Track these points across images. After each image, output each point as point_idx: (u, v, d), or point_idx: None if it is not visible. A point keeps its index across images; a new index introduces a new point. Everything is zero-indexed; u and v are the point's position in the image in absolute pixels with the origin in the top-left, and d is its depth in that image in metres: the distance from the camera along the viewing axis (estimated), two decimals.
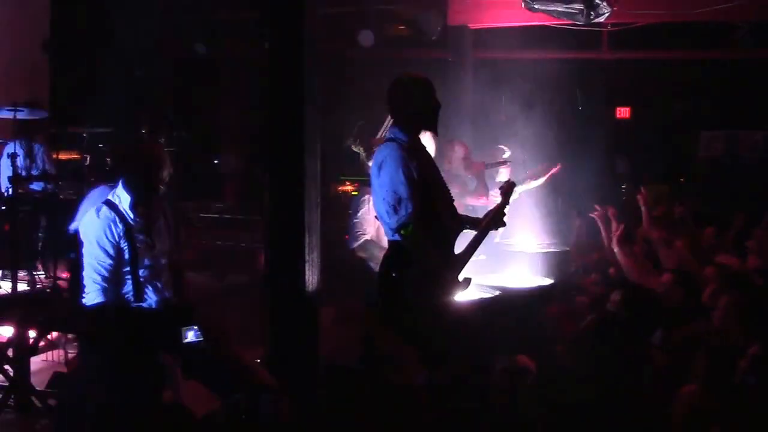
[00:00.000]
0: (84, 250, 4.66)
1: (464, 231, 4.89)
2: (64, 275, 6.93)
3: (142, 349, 4.63)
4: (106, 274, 4.59)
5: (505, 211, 4.80)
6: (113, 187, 4.80)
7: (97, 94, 9.85)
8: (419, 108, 4.66)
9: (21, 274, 6.96)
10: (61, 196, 7.05)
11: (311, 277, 5.19)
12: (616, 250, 6.52)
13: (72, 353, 7.13)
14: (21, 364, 6.27)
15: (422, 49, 11.11)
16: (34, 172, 7.23)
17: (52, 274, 6.81)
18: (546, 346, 5.66)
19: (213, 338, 4.53)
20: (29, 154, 7.35)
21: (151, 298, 4.78)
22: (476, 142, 8.72)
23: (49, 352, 7.20)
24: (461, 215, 4.93)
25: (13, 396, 6.21)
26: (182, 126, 8.17)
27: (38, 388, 6.45)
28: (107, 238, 4.59)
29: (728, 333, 4.78)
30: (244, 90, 5.35)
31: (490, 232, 4.84)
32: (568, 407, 3.43)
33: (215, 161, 12.20)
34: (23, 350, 6.46)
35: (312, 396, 5.06)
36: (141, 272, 4.70)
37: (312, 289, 5.15)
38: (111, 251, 4.59)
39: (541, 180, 7.38)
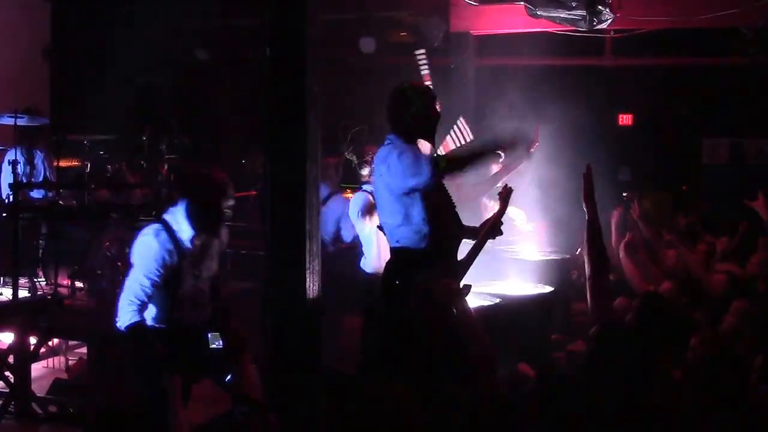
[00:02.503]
0: (132, 269, 4.59)
1: (465, 239, 4.88)
2: (65, 282, 6.92)
3: (167, 366, 4.54)
4: (145, 299, 4.52)
5: (503, 219, 4.77)
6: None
7: (97, 101, 9.86)
8: (417, 117, 4.64)
9: (22, 280, 6.95)
10: (61, 203, 7.04)
11: (312, 285, 5.17)
12: (621, 255, 6.49)
13: (72, 360, 7.13)
14: (21, 370, 6.26)
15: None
16: (35, 180, 7.22)
17: (52, 281, 6.80)
18: (547, 354, 5.64)
19: (233, 346, 4.48)
20: (30, 162, 7.35)
21: (186, 316, 4.70)
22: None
23: (50, 359, 7.20)
24: (462, 224, 4.91)
25: (13, 402, 6.20)
26: (183, 132, 8.15)
27: (39, 395, 6.45)
28: (157, 267, 4.50)
29: (736, 341, 4.76)
30: (246, 96, 5.35)
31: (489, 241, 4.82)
32: (570, 417, 3.39)
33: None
34: (24, 357, 6.46)
35: (313, 404, 5.05)
36: (183, 296, 4.63)
37: (313, 297, 5.13)
38: (157, 279, 4.51)
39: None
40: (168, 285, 4.54)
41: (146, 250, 4.51)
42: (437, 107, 4.75)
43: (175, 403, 3.98)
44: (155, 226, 4.58)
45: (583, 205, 4.45)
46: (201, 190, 4.59)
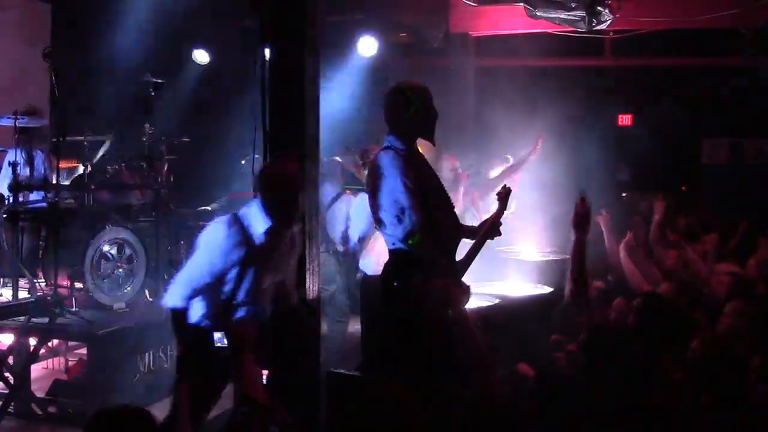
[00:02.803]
0: (194, 253, 4.41)
1: (462, 240, 4.88)
2: (65, 283, 6.92)
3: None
4: (198, 287, 4.33)
5: (501, 220, 4.77)
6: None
7: (97, 102, 9.85)
8: (416, 116, 4.64)
9: (21, 281, 6.95)
10: (61, 204, 7.04)
11: (312, 285, 5.18)
12: (621, 255, 6.48)
13: (72, 360, 7.14)
14: (21, 371, 6.27)
15: (424, 57, 11.11)
16: (35, 180, 7.22)
17: (52, 282, 6.79)
18: (546, 354, 5.64)
19: (234, 345, 4.39)
20: (29, 162, 7.34)
21: (244, 320, 4.47)
22: (477, 148, 8.72)
23: (50, 360, 7.21)
24: (461, 224, 4.92)
25: (13, 403, 6.21)
26: (184, 133, 8.16)
27: (38, 395, 6.46)
28: (222, 259, 4.29)
29: (735, 341, 4.76)
30: (246, 97, 5.36)
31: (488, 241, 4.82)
32: (570, 417, 3.40)
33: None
34: (23, 357, 6.47)
35: (313, 403, 5.06)
36: (239, 296, 4.39)
37: (313, 297, 5.14)
38: (217, 272, 4.30)
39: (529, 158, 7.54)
40: (226, 283, 4.36)
41: (214, 238, 4.31)
42: (435, 106, 4.75)
43: (183, 410, 3.91)
44: (228, 216, 4.40)
45: (572, 229, 4.50)
46: (279, 188, 4.36)
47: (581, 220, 4.56)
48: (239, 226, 4.31)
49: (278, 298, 4.66)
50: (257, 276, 4.37)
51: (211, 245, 4.30)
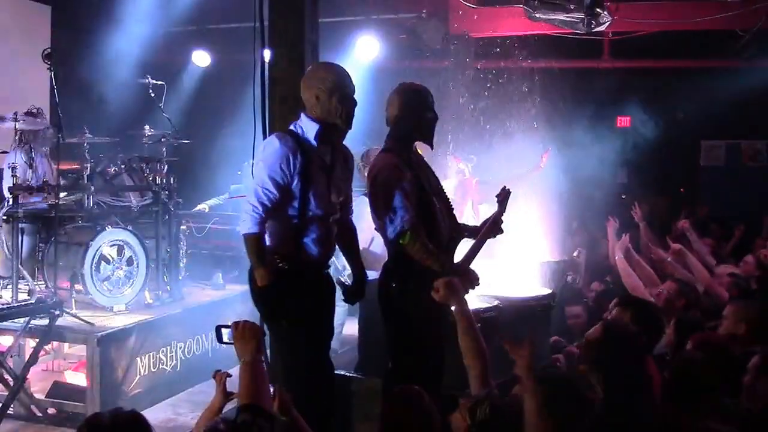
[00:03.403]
0: (253, 173, 4.43)
1: (463, 239, 4.89)
2: (64, 285, 6.93)
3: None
4: (268, 204, 4.29)
5: (503, 219, 4.78)
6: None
7: (98, 103, 9.87)
8: (415, 118, 4.65)
9: (21, 283, 6.96)
10: (61, 206, 7.05)
11: None
12: (617, 257, 6.49)
13: (72, 363, 7.14)
14: (21, 373, 6.27)
15: (423, 59, 11.11)
16: (35, 182, 7.22)
17: (52, 284, 6.80)
18: (546, 356, 5.66)
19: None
20: (30, 164, 7.35)
21: (313, 250, 4.45)
22: (476, 151, 8.72)
23: (49, 362, 7.21)
24: (460, 224, 4.92)
25: (12, 405, 6.22)
26: (184, 134, 8.16)
27: (38, 397, 6.47)
28: (281, 168, 4.28)
29: (735, 341, 4.77)
30: (246, 98, 5.37)
31: (488, 240, 4.83)
32: (570, 418, 3.40)
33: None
34: (23, 359, 6.47)
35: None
36: (309, 214, 4.39)
37: None
38: (281, 183, 4.30)
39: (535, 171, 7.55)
40: (292, 197, 4.33)
41: (270, 151, 4.33)
42: (434, 108, 4.76)
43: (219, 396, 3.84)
44: (280, 132, 4.49)
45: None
46: (320, 83, 4.41)
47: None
48: (291, 135, 4.39)
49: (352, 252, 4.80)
50: (320, 188, 4.41)
51: (269, 159, 4.32)
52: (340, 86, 4.42)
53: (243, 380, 3.40)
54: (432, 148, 4.96)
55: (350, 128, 4.50)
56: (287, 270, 4.41)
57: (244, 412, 3.17)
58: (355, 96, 4.50)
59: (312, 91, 4.42)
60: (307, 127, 4.41)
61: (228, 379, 3.71)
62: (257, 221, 4.30)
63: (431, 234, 4.52)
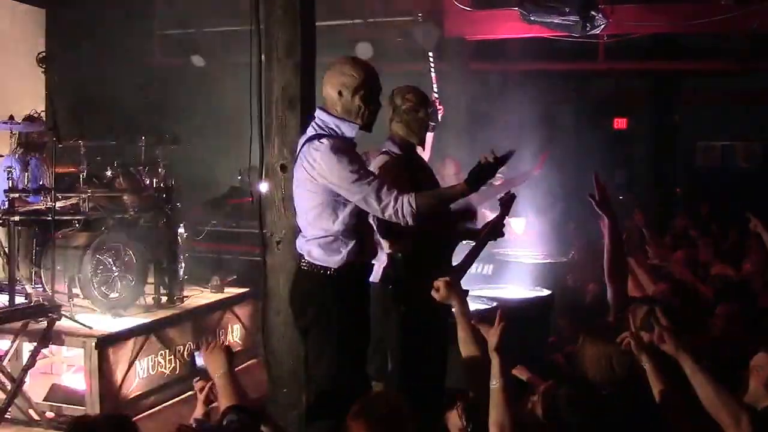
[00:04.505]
0: (335, 180, 4.09)
1: (463, 242, 4.90)
2: (62, 288, 6.92)
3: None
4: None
5: (504, 222, 4.79)
6: None
7: (93, 107, 9.86)
8: (413, 121, 4.67)
9: (18, 287, 6.94)
10: (57, 210, 7.04)
11: None
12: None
13: (70, 366, 7.13)
14: (18, 377, 6.26)
15: (419, 62, 11.14)
16: (31, 186, 7.21)
17: (49, 288, 6.79)
18: (545, 356, 5.66)
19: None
20: (25, 168, 7.34)
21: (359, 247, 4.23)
22: (472, 154, 8.73)
23: (47, 365, 7.19)
24: (459, 226, 4.93)
25: (10, 408, 6.20)
26: (179, 138, 8.15)
27: (36, 401, 6.45)
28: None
29: (729, 343, 4.78)
30: (242, 102, 5.36)
31: (489, 242, 4.83)
32: (569, 418, 3.41)
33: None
34: (20, 363, 6.45)
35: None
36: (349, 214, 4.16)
37: None
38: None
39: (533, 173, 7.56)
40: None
41: (341, 148, 4.10)
42: (428, 111, 4.78)
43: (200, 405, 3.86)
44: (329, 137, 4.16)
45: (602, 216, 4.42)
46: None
47: (605, 199, 4.44)
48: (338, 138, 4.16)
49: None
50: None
51: (345, 156, 4.06)
52: (366, 84, 4.19)
53: (222, 390, 3.49)
54: (423, 149, 4.98)
55: (369, 131, 4.29)
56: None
57: (230, 414, 3.24)
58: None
59: (334, 87, 4.19)
60: (342, 127, 4.18)
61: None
62: (402, 198, 4.03)
63: (428, 236, 4.52)
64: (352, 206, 4.09)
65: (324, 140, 4.05)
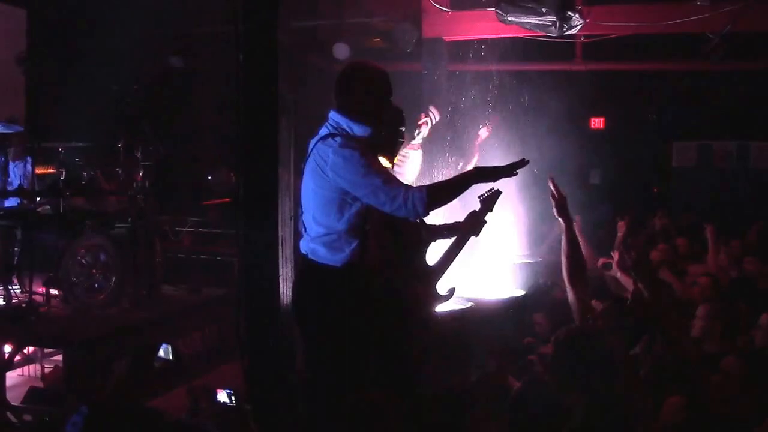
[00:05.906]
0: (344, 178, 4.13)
1: (438, 240, 4.90)
2: (40, 289, 6.92)
3: None
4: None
5: (486, 219, 4.80)
6: None
7: (73, 108, 9.82)
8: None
9: None
10: (36, 211, 7.04)
11: (286, 290, 5.21)
12: (599, 263, 6.53)
13: (48, 368, 7.12)
14: None
15: (396, 62, 11.17)
16: (10, 187, 7.21)
17: (27, 289, 6.79)
18: (520, 356, 5.72)
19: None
20: (5, 169, 7.34)
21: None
22: (451, 152, 8.78)
23: (25, 367, 7.18)
24: (433, 225, 4.92)
25: None
26: (159, 139, 8.16)
27: (14, 404, 6.44)
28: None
29: (706, 342, 4.86)
30: (219, 103, 5.36)
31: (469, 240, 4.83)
32: (544, 417, 3.46)
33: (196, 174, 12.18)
34: None
35: (291, 408, 5.10)
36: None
37: (288, 302, 5.16)
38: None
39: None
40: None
41: (352, 147, 4.14)
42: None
43: None
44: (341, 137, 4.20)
45: (558, 219, 4.50)
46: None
47: (563, 203, 4.51)
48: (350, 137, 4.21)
49: None
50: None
51: (356, 153, 4.10)
52: (378, 87, 4.29)
53: None
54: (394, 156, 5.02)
55: (380, 133, 4.38)
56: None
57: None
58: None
59: (348, 89, 4.28)
60: (354, 128, 4.23)
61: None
62: (413, 189, 4.07)
63: (398, 234, 4.53)
64: (359, 206, 4.18)
65: (337, 138, 4.16)
